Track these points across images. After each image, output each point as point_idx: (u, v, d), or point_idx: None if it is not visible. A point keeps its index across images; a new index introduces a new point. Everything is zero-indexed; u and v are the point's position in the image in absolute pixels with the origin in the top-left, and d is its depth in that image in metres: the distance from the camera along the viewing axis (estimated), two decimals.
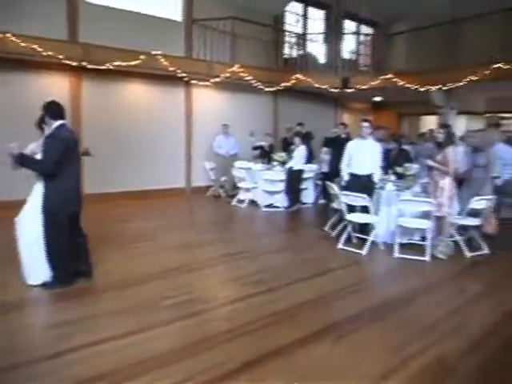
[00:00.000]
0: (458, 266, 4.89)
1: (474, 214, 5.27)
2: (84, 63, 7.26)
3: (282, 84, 10.05)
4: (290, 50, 11.26)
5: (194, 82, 9.10)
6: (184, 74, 8.51)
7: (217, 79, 8.92)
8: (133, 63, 7.66)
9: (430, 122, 12.32)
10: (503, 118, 12.53)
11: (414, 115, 13.28)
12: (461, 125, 11.46)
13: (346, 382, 2.58)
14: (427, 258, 4.97)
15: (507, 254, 5.37)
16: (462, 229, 5.53)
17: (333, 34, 11.75)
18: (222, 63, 9.05)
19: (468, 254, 5.18)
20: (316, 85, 10.04)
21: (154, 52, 7.88)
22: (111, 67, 7.49)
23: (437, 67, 9.33)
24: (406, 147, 8.12)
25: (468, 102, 10.79)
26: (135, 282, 4.08)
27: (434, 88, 9.08)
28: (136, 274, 4.31)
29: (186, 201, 9.08)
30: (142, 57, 7.69)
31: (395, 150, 7.52)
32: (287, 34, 11.17)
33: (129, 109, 8.55)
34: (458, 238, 5.28)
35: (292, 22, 11.85)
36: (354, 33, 12.76)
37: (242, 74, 9.14)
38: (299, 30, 11.75)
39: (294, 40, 11.27)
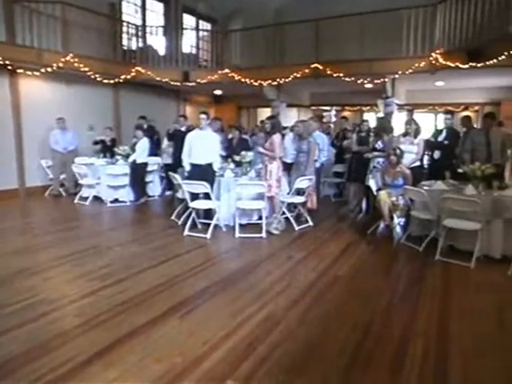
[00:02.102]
0: (288, 238, 5.68)
1: (300, 192, 6.17)
2: None
3: (122, 76, 9.83)
4: (129, 42, 11.02)
5: (20, 71, 8.25)
6: (7, 62, 7.67)
7: (48, 69, 8.26)
8: None
9: (265, 114, 13.51)
10: (325, 111, 14.54)
11: (252, 108, 14.34)
12: (293, 116, 12.90)
13: (193, 348, 2.87)
14: (264, 234, 5.64)
15: (326, 225, 6.44)
16: (293, 206, 6.43)
17: (172, 28, 11.90)
18: (54, 52, 8.39)
19: (296, 228, 6.05)
20: (157, 78, 10.11)
21: None
22: None
23: (268, 64, 10.32)
24: (245, 137, 8.86)
25: (296, 96, 12.19)
26: None
27: (265, 83, 10.04)
28: None
29: (22, 203, 8.27)
30: None
31: (236, 139, 8.15)
32: (125, 24, 10.89)
33: None
34: (288, 214, 6.12)
35: (131, 12, 11.59)
36: (193, 28, 13.09)
37: (76, 65, 8.63)
38: (139, 22, 11.57)
39: (133, 31, 11.06)
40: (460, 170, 5.93)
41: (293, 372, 2.64)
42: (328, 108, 14.53)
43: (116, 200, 7.94)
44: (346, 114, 13.43)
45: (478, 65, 7.39)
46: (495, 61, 6.96)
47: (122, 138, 10.19)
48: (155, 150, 8.80)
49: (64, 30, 8.72)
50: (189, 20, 13.25)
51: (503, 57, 6.76)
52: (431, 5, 8.53)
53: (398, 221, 5.68)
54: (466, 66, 7.60)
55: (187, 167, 5.96)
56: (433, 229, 5.10)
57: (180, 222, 6.17)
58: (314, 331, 3.17)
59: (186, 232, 5.72)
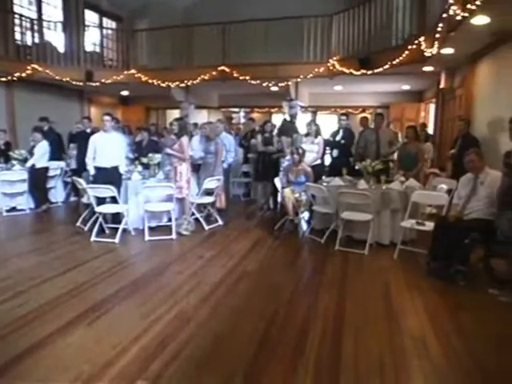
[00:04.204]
0: (199, 238, 5.78)
1: (209, 192, 6.30)
2: None
3: (16, 74, 9.11)
4: (23, 37, 10.20)
5: None
6: None
7: None
8: None
9: (175, 116, 13.39)
10: (234, 112, 14.86)
11: (161, 109, 14.14)
12: (202, 117, 12.97)
13: (102, 354, 2.84)
14: (174, 236, 5.67)
15: (235, 223, 6.65)
16: (202, 206, 6.54)
17: (73, 24, 11.26)
18: None
19: (206, 228, 6.17)
20: (57, 77, 9.55)
21: None
22: None
23: (175, 65, 10.29)
24: (154, 138, 8.76)
25: (204, 98, 12.30)
26: None
27: (173, 84, 10.01)
28: None
29: None
30: None
31: (146, 141, 8.03)
32: (18, 17, 10.05)
33: None
34: (198, 215, 6.22)
35: (24, 4, 10.74)
36: (96, 25, 12.52)
37: None
38: (34, 15, 10.77)
39: (27, 25, 10.26)
40: (356, 167, 6.53)
41: (203, 366, 2.74)
42: (237, 110, 14.87)
43: (13, 208, 7.37)
44: (254, 115, 13.81)
45: (368, 72, 8.17)
46: (381, 69, 7.76)
47: (19, 142, 9.45)
48: (58, 154, 8.31)
49: None
50: (91, 17, 12.64)
51: (387, 66, 7.56)
52: (327, 15, 9.20)
53: (302, 216, 6.08)
54: (359, 72, 8.35)
55: (92, 171, 5.78)
56: (333, 222, 5.55)
57: (86, 228, 5.94)
58: (224, 325, 3.31)
59: (93, 238, 5.54)
